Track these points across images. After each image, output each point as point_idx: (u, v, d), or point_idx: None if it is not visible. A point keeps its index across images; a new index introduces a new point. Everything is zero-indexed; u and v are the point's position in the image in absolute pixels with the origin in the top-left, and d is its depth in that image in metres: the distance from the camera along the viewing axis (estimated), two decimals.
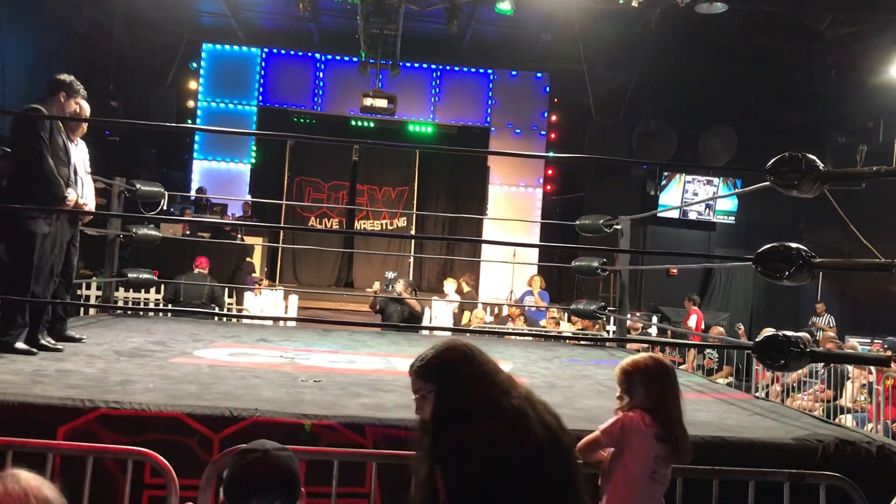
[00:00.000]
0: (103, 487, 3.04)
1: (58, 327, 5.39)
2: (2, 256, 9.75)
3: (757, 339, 3.78)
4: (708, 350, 10.38)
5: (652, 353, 2.94)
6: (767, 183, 4.04)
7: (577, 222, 8.04)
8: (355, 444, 3.24)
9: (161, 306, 10.37)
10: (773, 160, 3.81)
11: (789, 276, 3.68)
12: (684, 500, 2.89)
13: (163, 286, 9.96)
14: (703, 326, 11.84)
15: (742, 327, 12.45)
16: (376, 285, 9.53)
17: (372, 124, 15.69)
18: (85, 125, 5.35)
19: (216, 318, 8.89)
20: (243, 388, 4.10)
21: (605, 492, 2.72)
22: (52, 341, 5.14)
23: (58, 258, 5.11)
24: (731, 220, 15.67)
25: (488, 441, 1.97)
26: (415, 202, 15.52)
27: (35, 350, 4.84)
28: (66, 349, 5.07)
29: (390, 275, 9.15)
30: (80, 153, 5.32)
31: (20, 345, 4.77)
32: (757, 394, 7.20)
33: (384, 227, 15.50)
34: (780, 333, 3.70)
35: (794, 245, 3.74)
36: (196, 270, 9.80)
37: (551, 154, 16.07)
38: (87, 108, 5.28)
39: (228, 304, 11.18)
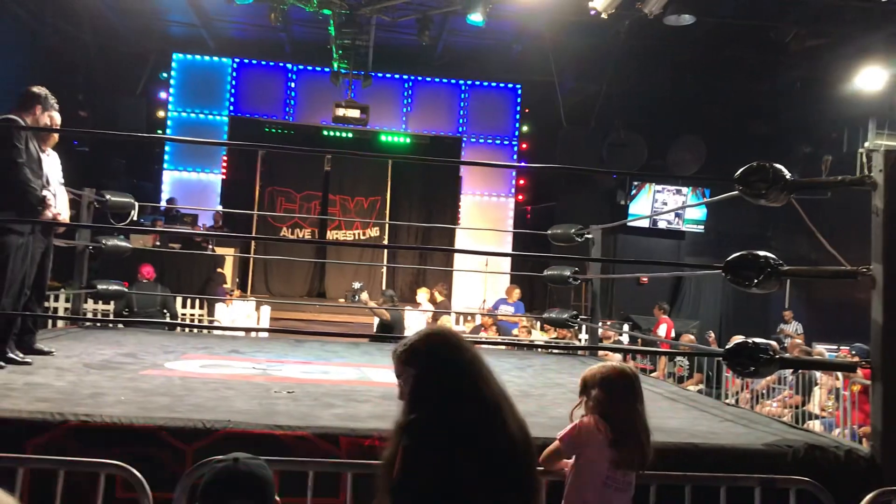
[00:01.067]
0: (74, 502, 3.00)
1: (26, 340, 5.31)
2: None
3: (727, 347, 3.84)
4: (678, 357, 10.50)
5: (616, 363, 2.96)
6: (736, 192, 4.10)
7: (549, 232, 8.09)
8: (330, 454, 3.23)
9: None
10: (742, 170, 3.87)
11: (758, 283, 3.74)
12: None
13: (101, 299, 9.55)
14: (672, 334, 11.96)
15: (713, 335, 12.59)
16: (365, 296, 9.45)
17: (345, 134, 15.67)
18: (56, 136, 5.31)
19: (186, 330, 8.82)
20: (216, 399, 4.07)
21: (564, 498, 2.75)
22: (21, 355, 5.06)
23: (29, 269, 5.05)
24: (701, 228, 15.88)
25: (465, 425, 2.01)
26: (387, 212, 15.52)
27: (3, 363, 4.78)
28: (34, 362, 5.00)
29: (356, 285, 9.11)
30: (52, 163, 5.29)
31: None
32: (727, 401, 7.28)
33: (357, 238, 15.47)
34: (749, 341, 3.75)
35: (762, 253, 3.80)
36: (143, 280, 9.56)
37: (522, 164, 16.19)
38: (58, 119, 5.25)
39: (199, 314, 11.09)
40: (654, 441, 3.26)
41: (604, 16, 9.22)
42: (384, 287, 13.35)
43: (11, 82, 5.15)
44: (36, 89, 5.06)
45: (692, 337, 11.21)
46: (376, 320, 9.60)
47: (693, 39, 12.65)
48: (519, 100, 16.42)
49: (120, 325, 8.65)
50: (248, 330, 9.67)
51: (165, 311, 9.63)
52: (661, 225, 15.74)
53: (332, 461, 3.04)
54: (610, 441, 2.66)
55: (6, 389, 3.93)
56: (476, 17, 10.48)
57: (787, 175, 3.82)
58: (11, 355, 4.97)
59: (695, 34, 12.10)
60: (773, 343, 3.85)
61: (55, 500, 2.76)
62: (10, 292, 4.86)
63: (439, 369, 2.19)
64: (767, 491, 2.92)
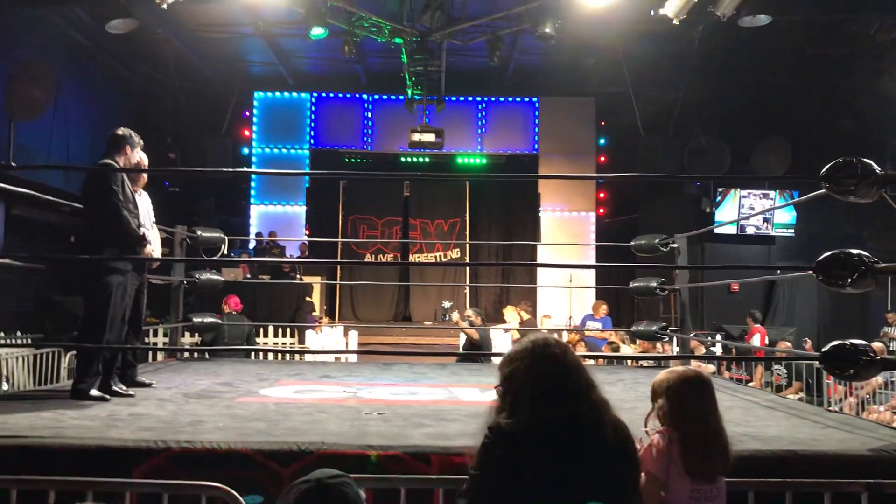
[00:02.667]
0: None
1: (129, 374, 5.56)
2: (70, 309, 10.11)
3: (823, 350, 3.70)
4: (776, 366, 10.14)
5: (685, 368, 2.88)
6: (823, 191, 3.98)
7: (632, 242, 7.98)
8: (421, 472, 3.26)
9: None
10: (828, 166, 3.76)
11: (852, 282, 3.62)
12: None
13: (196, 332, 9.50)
14: (766, 342, 11.57)
15: (809, 342, 12.11)
16: (456, 316, 9.49)
17: (422, 159, 15.86)
18: (146, 176, 5.57)
19: (280, 357, 9.06)
20: (309, 423, 4.16)
21: None
22: (124, 388, 5.30)
23: (127, 306, 5.29)
24: (791, 232, 15.36)
25: (546, 426, 2.22)
26: (467, 233, 15.60)
27: (108, 397, 5.01)
28: (137, 394, 5.23)
29: (447, 304, 9.19)
30: (144, 204, 5.55)
31: (94, 392, 4.95)
32: (830, 408, 7.00)
33: (438, 260, 15.58)
34: (847, 342, 3.62)
35: (855, 251, 3.67)
36: (231, 312, 9.60)
37: (601, 175, 16.04)
38: (146, 160, 5.51)
39: (290, 342, 11.35)
40: (751, 449, 3.19)
41: (675, 21, 9.10)
42: (468, 307, 13.37)
43: (107, 127, 5.46)
44: (121, 131, 5.32)
45: (788, 344, 10.83)
46: (462, 340, 9.63)
47: (770, 39, 12.32)
48: (594, 113, 16.29)
49: (215, 357, 8.94)
50: (336, 353, 9.83)
51: (248, 338, 9.79)
52: (750, 231, 15.29)
53: (422, 477, 3.07)
54: (683, 452, 2.60)
55: (112, 420, 4.12)
56: (546, 33, 10.49)
57: (877, 169, 3.69)
58: (116, 388, 5.21)
59: (772, 34, 11.79)
60: (879, 344, 3.70)
61: None
62: (113, 329, 5.10)
63: (518, 380, 2.30)
64: (875, 497, 2.80)
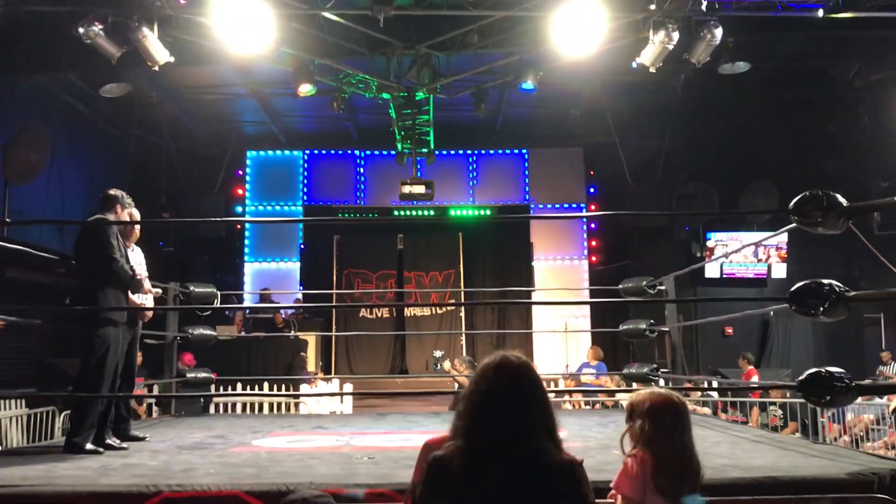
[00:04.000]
0: None
1: (122, 428, 5.61)
2: (65, 370, 10.09)
3: (800, 378, 3.79)
4: (771, 407, 10.16)
5: (664, 390, 2.95)
6: (794, 224, 4.11)
7: (620, 286, 8.09)
8: None
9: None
10: (795, 200, 3.91)
11: (825, 311, 3.72)
12: None
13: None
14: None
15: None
16: (447, 365, 9.52)
17: (415, 212, 16.03)
18: (137, 232, 5.72)
19: (274, 410, 9.05)
20: (300, 467, 4.22)
21: None
22: (118, 441, 5.35)
23: (120, 359, 5.37)
24: (783, 275, 15.46)
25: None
26: (461, 284, 15.68)
27: (102, 450, 5.05)
28: (130, 447, 5.27)
29: (438, 353, 9.25)
30: (136, 258, 5.67)
31: (89, 446, 5.00)
32: (819, 441, 7.03)
33: (434, 312, 15.63)
34: (823, 369, 3.71)
35: (826, 281, 3.78)
36: (184, 367, 9.14)
37: (592, 214, 16.26)
38: (137, 215, 5.65)
39: (287, 399, 11.32)
40: (732, 477, 3.25)
41: (652, 69, 9.33)
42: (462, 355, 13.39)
43: (102, 190, 5.62)
44: (112, 192, 5.49)
45: None
46: (456, 387, 9.64)
47: (751, 85, 12.60)
48: (583, 162, 16.55)
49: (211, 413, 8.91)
50: (328, 395, 9.80)
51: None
52: (740, 274, 15.40)
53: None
54: (656, 472, 2.66)
55: (105, 470, 4.17)
56: (528, 85, 10.76)
57: (843, 201, 3.82)
58: (109, 441, 5.25)
59: (752, 80, 12.06)
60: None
61: None
62: (105, 383, 5.17)
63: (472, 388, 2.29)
64: None
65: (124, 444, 5.33)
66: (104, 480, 3.75)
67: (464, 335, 15.25)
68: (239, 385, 10.47)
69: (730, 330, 14.81)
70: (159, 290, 5.94)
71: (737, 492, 2.92)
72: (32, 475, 3.91)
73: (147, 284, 5.57)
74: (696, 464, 2.70)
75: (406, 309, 15.68)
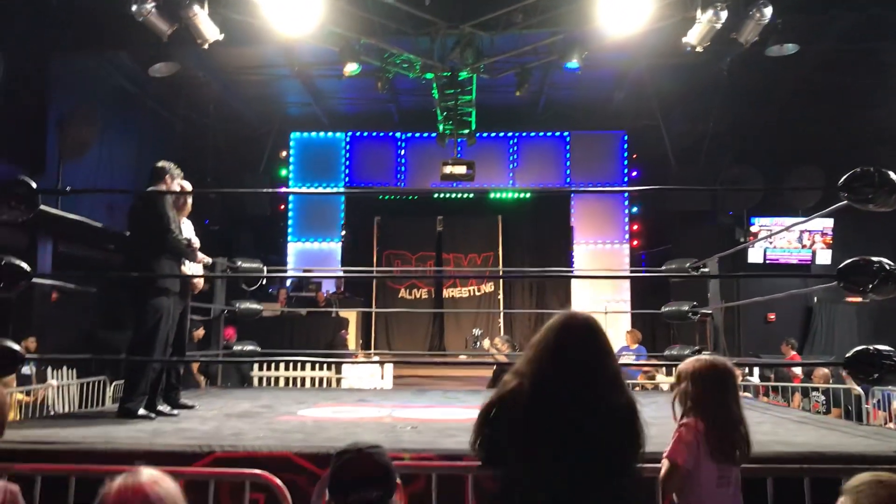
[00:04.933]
0: None
1: (172, 396, 5.76)
2: (115, 344, 10.35)
3: (847, 355, 3.77)
4: (814, 393, 10.04)
5: (713, 356, 2.95)
6: (845, 202, 4.07)
7: (664, 267, 8.06)
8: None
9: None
10: (846, 176, 3.86)
11: (873, 288, 3.69)
12: (777, 501, 2.89)
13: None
14: (804, 370, 11.44)
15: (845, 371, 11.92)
16: (487, 343, 9.56)
17: (455, 195, 16.07)
18: (189, 204, 5.82)
19: (317, 385, 9.20)
20: (345, 435, 4.31)
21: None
22: (168, 408, 5.50)
23: (171, 329, 5.51)
24: (828, 260, 15.22)
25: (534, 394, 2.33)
26: (500, 267, 15.70)
27: (153, 415, 5.21)
28: (180, 414, 5.42)
29: (477, 331, 9.29)
30: (187, 230, 5.80)
31: (141, 411, 5.15)
32: (860, 423, 6.96)
33: (472, 294, 15.68)
34: (871, 347, 3.68)
35: (875, 258, 3.75)
36: (226, 341, 9.13)
37: (634, 188, 16.13)
38: (188, 187, 5.77)
39: (328, 376, 11.50)
40: (776, 451, 3.26)
41: (699, 49, 9.22)
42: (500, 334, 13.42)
43: (148, 168, 5.77)
44: (162, 163, 5.60)
45: (826, 371, 10.70)
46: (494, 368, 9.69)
47: (799, 68, 12.40)
48: (626, 146, 16.44)
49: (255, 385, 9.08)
50: (366, 362, 9.91)
51: (239, 369, 9.75)
52: (785, 260, 15.20)
53: (452, 464, 3.19)
54: (710, 438, 2.68)
55: (158, 432, 4.31)
56: (573, 64, 10.69)
57: (894, 177, 3.78)
58: (161, 408, 5.41)
59: (801, 62, 11.86)
60: None
61: None
62: (157, 351, 5.32)
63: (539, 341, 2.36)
64: None
65: (174, 411, 5.49)
66: (159, 440, 3.88)
67: (501, 315, 15.30)
68: (282, 364, 10.68)
69: (772, 316, 14.64)
70: (209, 260, 6.07)
71: (782, 463, 2.93)
72: (91, 435, 4.07)
73: (199, 254, 5.71)
74: (746, 431, 2.72)
75: (444, 290, 15.76)
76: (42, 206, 5.02)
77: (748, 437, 2.71)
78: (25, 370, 9.25)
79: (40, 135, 10.91)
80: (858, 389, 9.12)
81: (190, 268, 5.86)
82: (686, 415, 2.80)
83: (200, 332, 9.38)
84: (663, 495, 2.85)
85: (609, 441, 2.21)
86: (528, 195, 16.39)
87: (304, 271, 15.02)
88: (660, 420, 5.18)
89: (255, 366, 10.85)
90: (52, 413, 8.09)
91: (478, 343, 9.23)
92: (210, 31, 8.92)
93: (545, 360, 2.30)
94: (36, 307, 10.79)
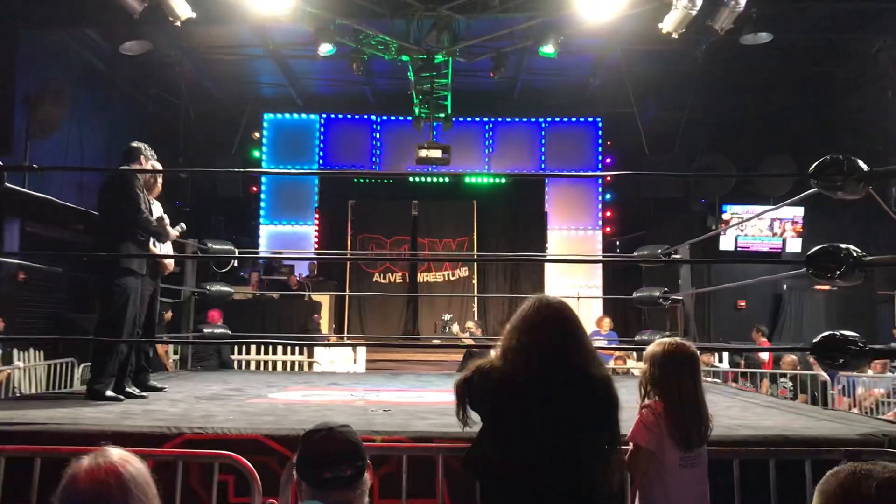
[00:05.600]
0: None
1: (141, 377, 5.71)
2: (83, 326, 10.23)
3: (815, 340, 3.81)
4: (782, 379, 10.20)
5: (675, 340, 2.97)
6: (815, 189, 4.11)
7: (636, 254, 8.12)
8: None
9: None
10: (816, 164, 3.90)
11: (840, 275, 3.73)
12: (742, 483, 2.93)
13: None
14: (773, 356, 11.61)
15: (812, 357, 12.11)
16: (456, 328, 9.57)
17: (430, 179, 16.03)
18: (160, 185, 5.76)
19: (289, 368, 9.15)
20: (317, 417, 4.24)
21: (640, 487, 2.79)
22: (137, 390, 5.45)
23: (140, 310, 5.45)
24: (798, 249, 15.42)
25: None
26: (475, 253, 15.71)
27: (122, 397, 5.15)
28: (149, 397, 5.37)
29: (446, 317, 9.30)
30: (157, 212, 5.73)
31: (109, 393, 5.10)
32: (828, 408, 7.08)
33: (446, 278, 15.69)
34: (837, 332, 3.73)
35: (843, 245, 3.79)
36: (211, 324, 9.08)
37: (606, 173, 16.20)
38: (159, 167, 5.70)
39: (300, 360, 11.46)
40: (742, 435, 3.30)
41: (674, 35, 9.26)
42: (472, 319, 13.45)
43: (120, 148, 5.69)
44: (135, 144, 5.54)
45: (794, 358, 10.86)
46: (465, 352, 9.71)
47: (773, 57, 12.50)
48: (600, 132, 16.48)
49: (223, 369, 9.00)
50: (339, 345, 9.89)
51: (219, 353, 9.60)
52: (756, 248, 15.36)
53: (424, 445, 3.19)
54: (672, 420, 2.71)
55: (127, 414, 4.27)
56: (548, 49, 10.67)
57: (863, 166, 3.82)
58: (129, 390, 5.36)
59: (774, 52, 11.96)
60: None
61: (175, 494, 2.96)
62: (125, 332, 5.26)
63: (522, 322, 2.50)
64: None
65: (144, 394, 5.44)
66: (127, 422, 3.84)
67: (476, 300, 15.32)
68: (253, 346, 10.60)
69: (742, 303, 14.83)
70: (183, 226, 5.96)
71: (748, 446, 2.96)
72: (58, 416, 4.01)
73: (171, 230, 5.64)
74: (705, 413, 2.75)
75: (419, 274, 15.74)
76: (8, 184, 4.93)
77: (707, 419, 2.75)
78: None
79: (7, 112, 10.70)
80: (825, 376, 9.28)
81: (160, 249, 5.80)
82: (647, 397, 2.83)
83: (169, 315, 9.27)
84: (631, 479, 2.89)
85: (585, 411, 2.28)
86: (503, 180, 16.37)
87: (275, 255, 14.93)
88: (630, 403, 5.24)
89: (234, 350, 10.68)
90: (17, 395, 7.99)
91: (447, 328, 9.25)
92: (182, 9, 8.80)
93: (520, 338, 2.39)
94: (3, 287, 10.63)
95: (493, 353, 2.56)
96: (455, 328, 9.31)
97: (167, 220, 5.59)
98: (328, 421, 2.16)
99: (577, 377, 2.35)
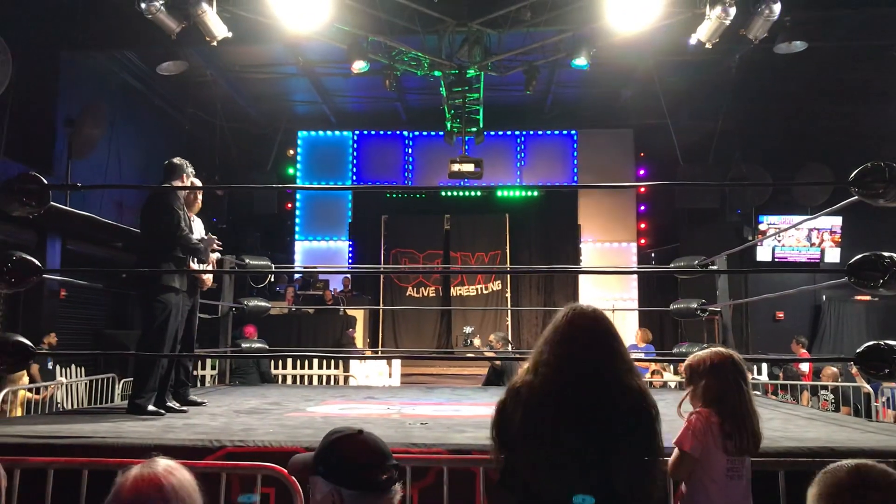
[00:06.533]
0: None
1: (181, 392, 5.78)
2: (122, 341, 10.37)
3: (858, 350, 3.75)
4: (823, 392, 10.02)
5: (716, 348, 2.94)
6: (855, 198, 4.06)
7: (672, 265, 8.05)
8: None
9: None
10: (857, 171, 3.84)
11: (884, 283, 3.67)
12: (788, 494, 2.88)
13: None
14: (813, 368, 11.41)
15: (855, 368, 11.89)
16: (478, 341, 9.52)
17: (462, 193, 16.07)
18: (199, 202, 5.84)
19: (325, 383, 9.19)
20: None
21: (686, 494, 2.76)
22: (177, 404, 5.52)
23: (180, 326, 5.53)
24: (837, 259, 15.18)
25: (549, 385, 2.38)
26: (508, 266, 15.69)
27: (163, 412, 5.22)
28: (189, 411, 5.44)
29: (468, 329, 9.22)
30: (198, 228, 5.82)
31: (151, 407, 5.17)
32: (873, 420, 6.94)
33: (479, 292, 15.68)
34: (882, 342, 3.67)
35: (886, 254, 3.73)
36: (247, 339, 9.05)
37: (640, 184, 16.08)
38: (199, 184, 5.79)
39: (335, 374, 11.52)
40: (786, 447, 3.26)
41: (708, 45, 9.20)
42: (510, 337, 13.40)
43: (157, 167, 5.80)
44: (177, 160, 5.63)
45: (835, 370, 10.67)
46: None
47: (807, 66, 12.35)
48: (633, 144, 16.41)
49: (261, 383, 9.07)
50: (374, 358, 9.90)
51: (259, 366, 9.54)
52: (793, 258, 15.15)
53: (464, 457, 3.18)
54: (724, 429, 2.67)
55: (169, 428, 4.32)
56: (580, 61, 10.66)
57: None
58: (170, 404, 5.43)
59: (808, 60, 11.82)
60: None
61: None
62: (167, 348, 5.33)
63: (555, 334, 2.42)
64: None
65: (184, 408, 5.50)
66: (170, 436, 3.89)
67: (509, 314, 15.29)
68: (289, 360, 10.67)
69: (781, 314, 14.62)
70: (219, 245, 5.94)
71: (793, 457, 2.92)
72: (101, 430, 4.08)
73: (212, 253, 5.71)
74: (757, 423, 2.71)
75: (452, 288, 15.75)
76: (51, 203, 5.03)
77: (757, 429, 2.71)
78: (49, 365, 9.34)
79: (49, 133, 10.97)
80: (868, 387, 9.09)
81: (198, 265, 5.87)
82: (697, 405, 2.80)
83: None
84: (674, 485, 2.86)
85: (621, 423, 2.23)
86: (535, 194, 16.34)
87: (309, 270, 15.03)
88: (668, 417, 5.19)
89: (271, 364, 10.66)
90: (60, 410, 8.13)
91: (469, 341, 9.19)
92: (218, 28, 8.94)
93: (553, 350, 2.33)
94: (45, 304, 10.84)
95: (521, 369, 2.48)
96: (477, 341, 9.26)
97: (214, 243, 5.65)
98: (341, 428, 2.06)
99: (612, 389, 2.27)
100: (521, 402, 2.31)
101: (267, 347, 8.21)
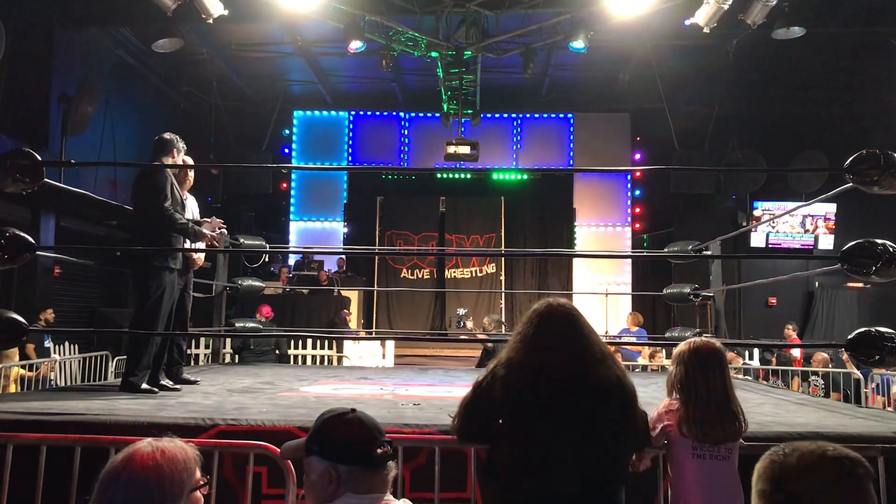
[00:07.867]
0: (223, 499, 3.28)
1: (174, 370, 5.78)
2: (116, 320, 10.36)
3: (849, 337, 3.78)
4: (813, 377, 10.08)
5: (702, 339, 2.99)
6: (850, 185, 4.07)
7: (666, 249, 8.06)
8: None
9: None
10: (851, 158, 3.85)
11: (877, 270, 3.69)
12: None
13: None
14: (803, 354, 11.48)
15: (846, 354, 11.96)
16: (471, 323, 9.57)
17: (458, 175, 16.05)
18: (191, 179, 5.81)
19: (318, 363, 9.21)
20: None
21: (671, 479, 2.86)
22: (171, 383, 5.52)
23: (173, 304, 5.52)
24: (830, 245, 15.22)
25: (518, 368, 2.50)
26: (502, 248, 15.71)
27: (156, 390, 5.23)
28: (183, 389, 5.44)
29: (461, 311, 9.25)
30: (190, 206, 5.80)
31: (144, 385, 5.18)
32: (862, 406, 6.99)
33: (474, 275, 15.70)
34: (872, 329, 3.69)
35: (879, 241, 3.75)
36: (262, 319, 9.40)
37: (635, 167, 16.10)
38: (190, 162, 5.76)
39: (328, 354, 11.54)
40: (776, 431, 3.28)
41: (706, 30, 9.18)
42: (504, 319, 13.44)
43: (151, 144, 5.77)
44: (167, 136, 5.56)
45: (826, 356, 10.73)
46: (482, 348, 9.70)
47: (805, 52, 12.33)
48: (629, 128, 16.38)
49: (255, 362, 9.12)
50: (366, 339, 9.95)
51: (277, 350, 9.76)
52: (787, 244, 15.18)
53: (454, 438, 3.19)
54: (686, 416, 2.72)
55: (162, 406, 4.33)
56: (578, 44, 10.63)
57: None
58: (163, 382, 5.43)
59: (807, 46, 11.79)
60: None
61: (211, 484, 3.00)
62: (160, 326, 5.33)
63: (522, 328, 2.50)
64: (893, 463, 2.87)
65: (177, 386, 5.51)
66: (163, 413, 3.90)
67: (503, 296, 15.32)
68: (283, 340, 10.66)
69: (773, 300, 14.67)
70: (223, 228, 5.94)
71: (781, 443, 2.94)
72: (95, 407, 4.09)
73: (207, 231, 5.65)
74: (736, 408, 2.75)
75: (446, 270, 15.78)
76: (45, 180, 5.01)
77: (739, 414, 2.75)
78: (47, 343, 9.35)
79: (44, 109, 10.89)
80: (858, 374, 9.15)
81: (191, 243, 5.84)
82: (676, 394, 2.84)
83: None
84: (663, 470, 2.92)
85: (599, 414, 2.28)
86: (531, 176, 16.33)
87: (304, 251, 15.03)
88: (658, 400, 5.22)
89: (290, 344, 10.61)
90: (52, 387, 8.13)
91: (462, 323, 9.22)
92: (215, 6, 8.89)
93: (527, 343, 2.41)
94: (39, 281, 10.82)
95: (489, 364, 2.53)
96: (469, 323, 9.29)
97: (216, 229, 5.64)
98: (332, 408, 2.06)
99: (586, 381, 2.34)
100: (497, 397, 2.38)
101: (259, 326, 8.21)
